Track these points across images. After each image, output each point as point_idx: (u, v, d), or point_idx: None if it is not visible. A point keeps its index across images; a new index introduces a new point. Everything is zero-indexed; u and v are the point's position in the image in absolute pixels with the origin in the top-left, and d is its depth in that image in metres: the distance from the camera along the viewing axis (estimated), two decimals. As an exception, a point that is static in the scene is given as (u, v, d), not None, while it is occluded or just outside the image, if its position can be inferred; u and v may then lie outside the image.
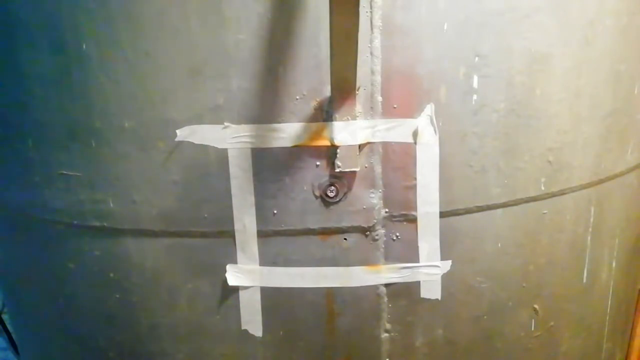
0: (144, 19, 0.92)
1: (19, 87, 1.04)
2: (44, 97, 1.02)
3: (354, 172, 0.99)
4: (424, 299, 1.09)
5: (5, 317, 2.22)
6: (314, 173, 1.00)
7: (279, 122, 0.96)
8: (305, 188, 1.00)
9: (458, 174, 1.03)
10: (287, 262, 1.05)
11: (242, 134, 0.97)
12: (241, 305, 1.08)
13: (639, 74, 1.16)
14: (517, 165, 1.05)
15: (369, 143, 0.98)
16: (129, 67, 0.95)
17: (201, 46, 0.93)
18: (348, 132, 0.95)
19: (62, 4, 0.95)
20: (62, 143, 1.03)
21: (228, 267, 1.05)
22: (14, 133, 1.09)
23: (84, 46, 0.95)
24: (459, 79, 0.97)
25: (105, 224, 1.07)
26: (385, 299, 1.09)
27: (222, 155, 0.98)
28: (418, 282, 1.08)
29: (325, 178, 1.00)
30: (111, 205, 1.05)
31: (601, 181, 1.17)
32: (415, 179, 1.01)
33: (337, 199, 1.00)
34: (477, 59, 0.96)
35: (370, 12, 0.92)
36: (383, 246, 1.05)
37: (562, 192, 1.11)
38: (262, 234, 1.03)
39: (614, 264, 1.31)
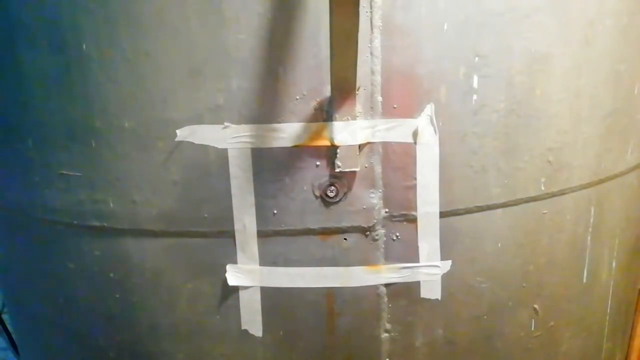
0: (144, 19, 0.92)
1: (19, 87, 1.04)
2: (44, 97, 1.02)
3: (354, 172, 0.99)
4: (424, 299, 1.09)
5: (5, 317, 2.22)
6: (314, 173, 1.00)
7: (279, 122, 0.96)
8: (305, 188, 1.00)
9: (458, 174, 1.03)
10: (287, 262, 1.05)
11: (242, 134, 0.97)
12: (241, 305, 1.08)
13: (639, 74, 1.16)
14: (517, 165, 1.05)
15: (369, 143, 0.98)
16: (129, 67, 0.95)
17: (201, 46, 0.93)
18: (348, 132, 0.95)
19: (62, 4, 0.95)
20: (62, 143, 1.03)
21: (228, 267, 1.05)
22: (14, 133, 1.09)
23: (84, 46, 0.95)
24: (459, 79, 0.97)
25: (105, 224, 1.07)
26: (385, 299, 1.09)
27: (222, 155, 0.98)
28: (418, 282, 1.08)
29: (325, 178, 1.00)
30: (111, 205, 1.05)
31: (601, 181, 1.17)
32: (415, 179, 1.01)
33: (337, 199, 1.00)
34: (477, 59, 0.96)
35: (370, 12, 0.92)
36: (383, 246, 1.05)
37: (562, 192, 1.11)
38: (262, 234, 1.03)
39: (614, 264, 1.31)
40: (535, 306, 1.18)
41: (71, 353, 1.28)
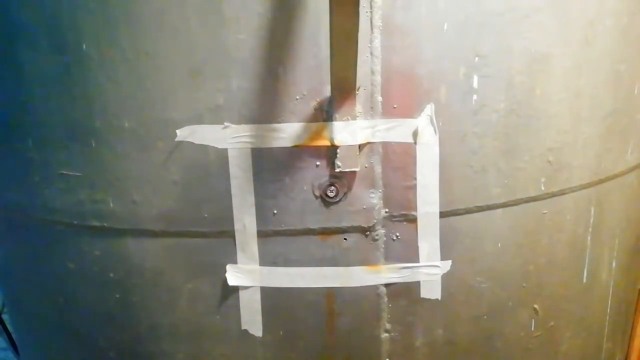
0: (144, 19, 0.92)
1: (19, 87, 1.04)
2: (44, 97, 1.02)
3: (354, 172, 0.99)
4: (424, 299, 1.09)
5: (5, 317, 2.22)
6: (314, 173, 1.00)
7: (279, 122, 0.96)
8: (305, 188, 1.00)
9: (458, 174, 1.03)
10: (287, 262, 1.05)
11: (242, 134, 0.97)
12: (241, 305, 1.08)
13: (639, 74, 1.16)
14: (517, 165, 1.05)
15: (369, 143, 0.98)
16: (129, 67, 0.95)
17: (201, 46, 0.93)
18: (348, 132, 0.95)
19: (62, 4, 0.95)
20: (62, 143, 1.03)
21: (228, 267, 1.05)
22: (14, 133, 1.09)
23: (84, 46, 0.95)
24: (459, 79, 0.97)
25: (105, 224, 1.07)
26: (385, 299, 1.09)
27: (222, 155, 0.98)
28: (418, 282, 1.08)
29: (325, 178, 1.00)
30: (111, 205, 1.05)
31: (601, 181, 1.17)
32: (415, 179, 1.01)
33: (337, 199, 1.00)
34: (477, 59, 0.96)
35: (370, 12, 0.92)
36: (383, 246, 1.05)
37: (562, 192, 1.11)
38: (262, 234, 1.03)
39: (614, 264, 1.31)
40: (535, 306, 1.18)
41: (71, 353, 1.28)
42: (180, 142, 0.98)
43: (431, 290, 1.09)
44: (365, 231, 1.04)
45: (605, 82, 1.09)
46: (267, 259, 1.05)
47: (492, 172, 1.04)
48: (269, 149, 0.98)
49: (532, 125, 1.03)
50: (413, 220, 1.04)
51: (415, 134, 0.98)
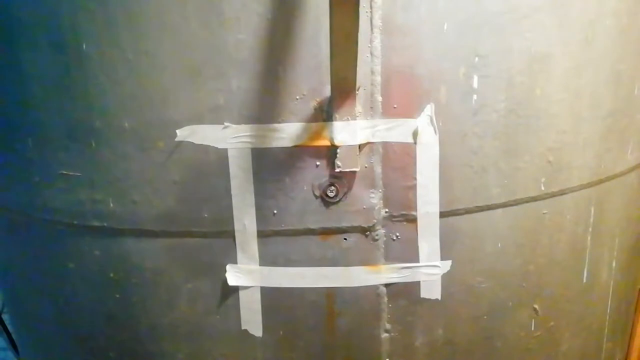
0: (144, 19, 0.92)
1: (19, 87, 1.04)
2: (44, 97, 1.02)
3: (354, 172, 0.99)
4: (424, 299, 1.09)
5: (5, 317, 2.22)
6: (314, 173, 1.00)
7: (279, 122, 0.96)
8: (305, 188, 1.00)
9: (458, 174, 1.03)
10: (287, 262, 1.05)
11: (242, 134, 0.97)
12: (241, 305, 1.08)
13: (639, 74, 1.16)
14: (517, 165, 1.05)
15: (369, 143, 0.98)
16: (129, 67, 0.95)
17: (201, 46, 0.93)
18: (348, 132, 0.95)
19: (62, 4, 0.95)
20: (62, 143, 1.03)
21: (228, 267, 1.05)
22: (14, 133, 1.09)
23: (84, 46, 0.95)
24: (459, 79, 0.97)
25: (105, 224, 1.07)
26: (385, 299, 1.09)
27: (222, 155, 0.98)
28: (418, 282, 1.08)
29: (325, 178, 1.00)
30: (111, 205, 1.05)
31: (601, 181, 1.17)
32: (415, 179, 1.01)
33: (337, 199, 1.00)
34: (477, 59, 0.96)
35: (370, 12, 0.92)
36: (383, 246, 1.05)
37: (562, 192, 1.11)
38: (262, 234, 1.03)
39: (614, 264, 1.31)
40: (535, 306, 1.18)
41: (71, 353, 1.28)
42: (180, 142, 0.98)
43: (431, 290, 1.09)
44: (365, 231, 1.04)
45: (605, 82, 1.09)
46: (267, 259, 1.05)
47: (492, 172, 1.04)
48: (269, 149, 0.98)
49: (532, 125, 1.03)
50: (413, 220, 1.04)
51: (415, 134, 0.98)
